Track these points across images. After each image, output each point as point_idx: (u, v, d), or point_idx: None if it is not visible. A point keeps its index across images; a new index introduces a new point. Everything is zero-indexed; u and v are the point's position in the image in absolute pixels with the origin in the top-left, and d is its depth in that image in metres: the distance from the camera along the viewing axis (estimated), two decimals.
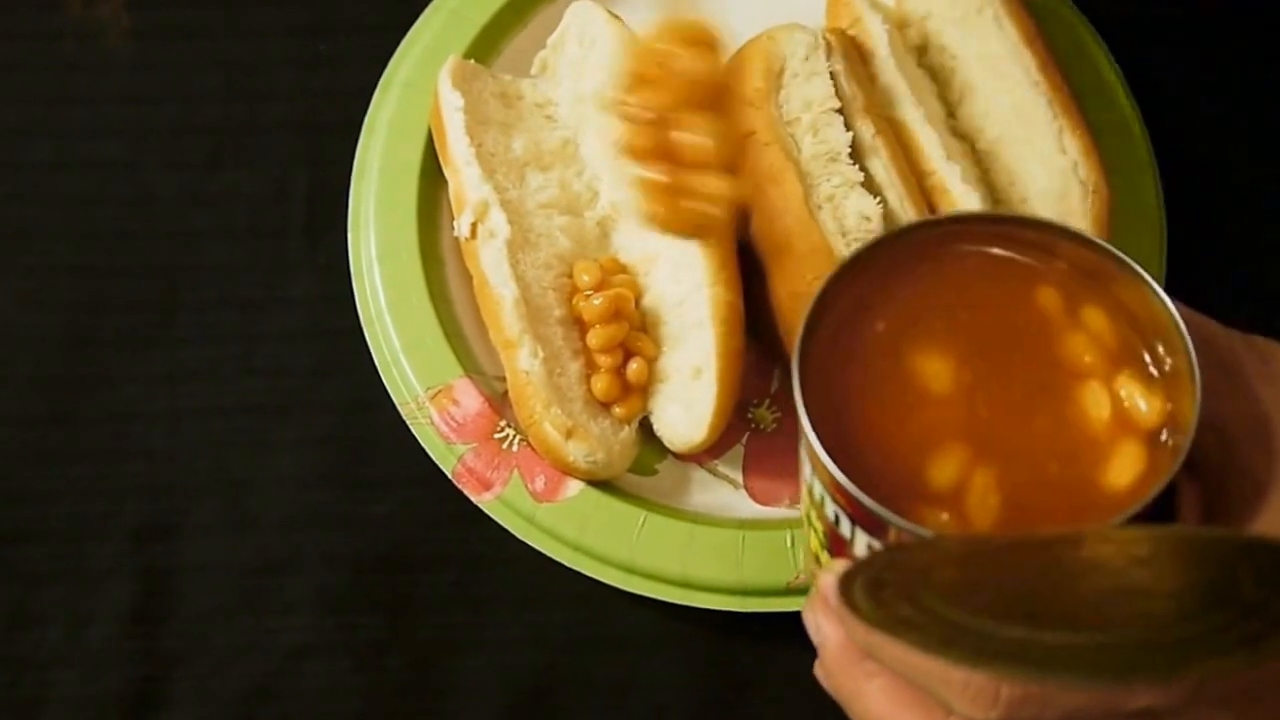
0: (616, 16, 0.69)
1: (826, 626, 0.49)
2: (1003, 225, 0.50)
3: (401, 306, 0.66)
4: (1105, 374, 0.47)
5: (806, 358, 0.47)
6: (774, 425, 0.67)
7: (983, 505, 0.46)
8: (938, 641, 0.40)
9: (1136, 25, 0.75)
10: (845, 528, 0.47)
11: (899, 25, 0.69)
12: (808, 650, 0.64)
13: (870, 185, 0.64)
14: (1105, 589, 0.42)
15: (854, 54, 0.67)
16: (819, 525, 0.50)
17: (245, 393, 0.68)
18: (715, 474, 0.66)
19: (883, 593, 0.41)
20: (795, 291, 0.62)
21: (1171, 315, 0.46)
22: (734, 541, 0.63)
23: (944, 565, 0.43)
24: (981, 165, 0.67)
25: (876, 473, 0.45)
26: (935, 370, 0.48)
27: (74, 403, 0.68)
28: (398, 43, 0.72)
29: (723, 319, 0.63)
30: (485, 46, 0.71)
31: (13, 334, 0.69)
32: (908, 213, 0.64)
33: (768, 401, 0.68)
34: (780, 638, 0.64)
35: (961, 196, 0.64)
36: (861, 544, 0.47)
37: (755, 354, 0.66)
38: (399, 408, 0.66)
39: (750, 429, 0.67)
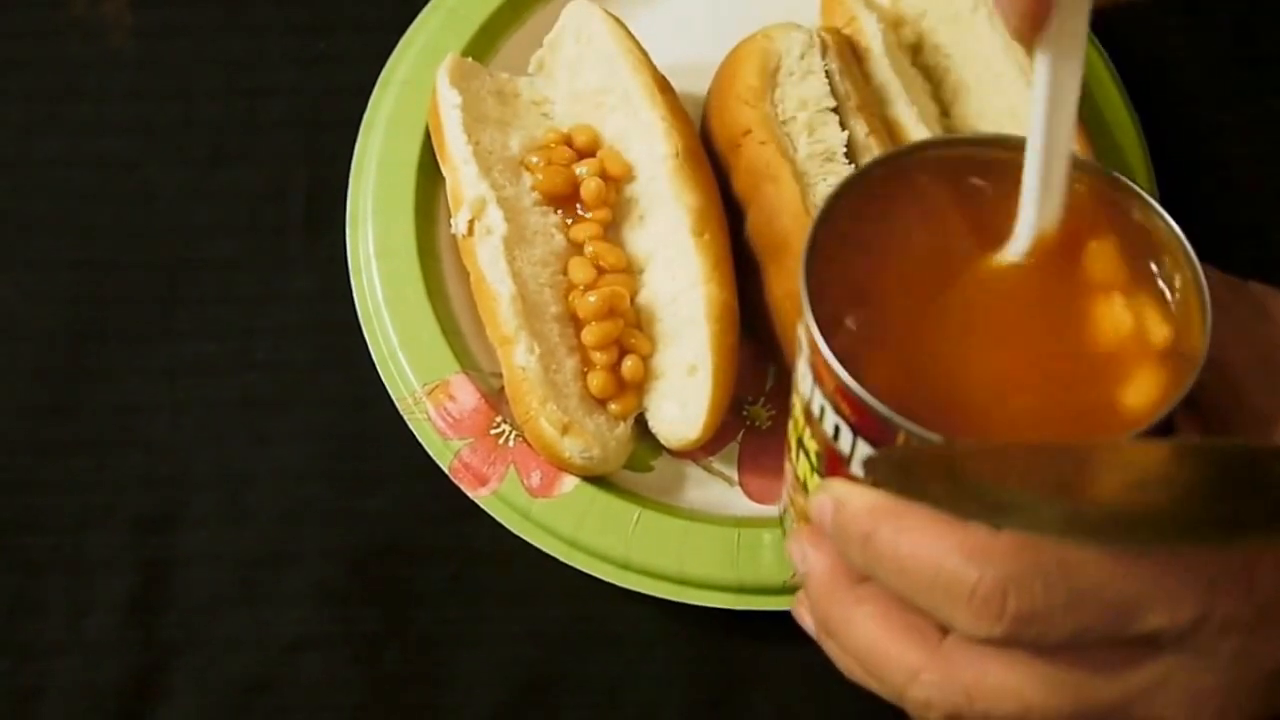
0: (613, 16, 0.69)
1: (814, 554, 0.48)
2: (1013, 150, 0.48)
3: (399, 303, 0.67)
4: (1115, 301, 0.46)
5: (812, 270, 0.46)
6: (769, 423, 0.67)
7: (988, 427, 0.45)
8: (968, 510, 0.39)
9: (1132, 24, 0.75)
10: (845, 441, 0.46)
11: (894, 24, 0.69)
12: (804, 649, 0.64)
13: None
14: (1127, 483, 0.41)
15: (848, 53, 0.66)
16: (812, 444, 0.49)
17: (244, 386, 0.68)
18: (710, 471, 0.66)
19: (911, 474, 0.41)
20: (791, 291, 0.61)
21: (1179, 239, 0.46)
22: (729, 539, 0.63)
23: (963, 459, 0.42)
24: None
25: (878, 390, 0.44)
26: (946, 298, 0.47)
27: (76, 394, 0.68)
28: (396, 41, 0.72)
29: (717, 317, 0.63)
30: (483, 45, 0.72)
31: (16, 326, 0.69)
32: None
33: (763, 399, 0.68)
34: (776, 636, 0.64)
35: None
36: (861, 457, 0.46)
37: (751, 352, 0.67)
38: (396, 403, 0.66)
39: (746, 426, 0.67)
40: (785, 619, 0.62)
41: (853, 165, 0.64)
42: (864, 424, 0.45)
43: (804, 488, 0.51)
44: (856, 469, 0.46)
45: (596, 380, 0.64)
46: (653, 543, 0.63)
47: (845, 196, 0.48)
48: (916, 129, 0.65)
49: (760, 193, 0.64)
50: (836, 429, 0.46)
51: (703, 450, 0.66)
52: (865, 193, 0.48)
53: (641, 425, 0.66)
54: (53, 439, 0.67)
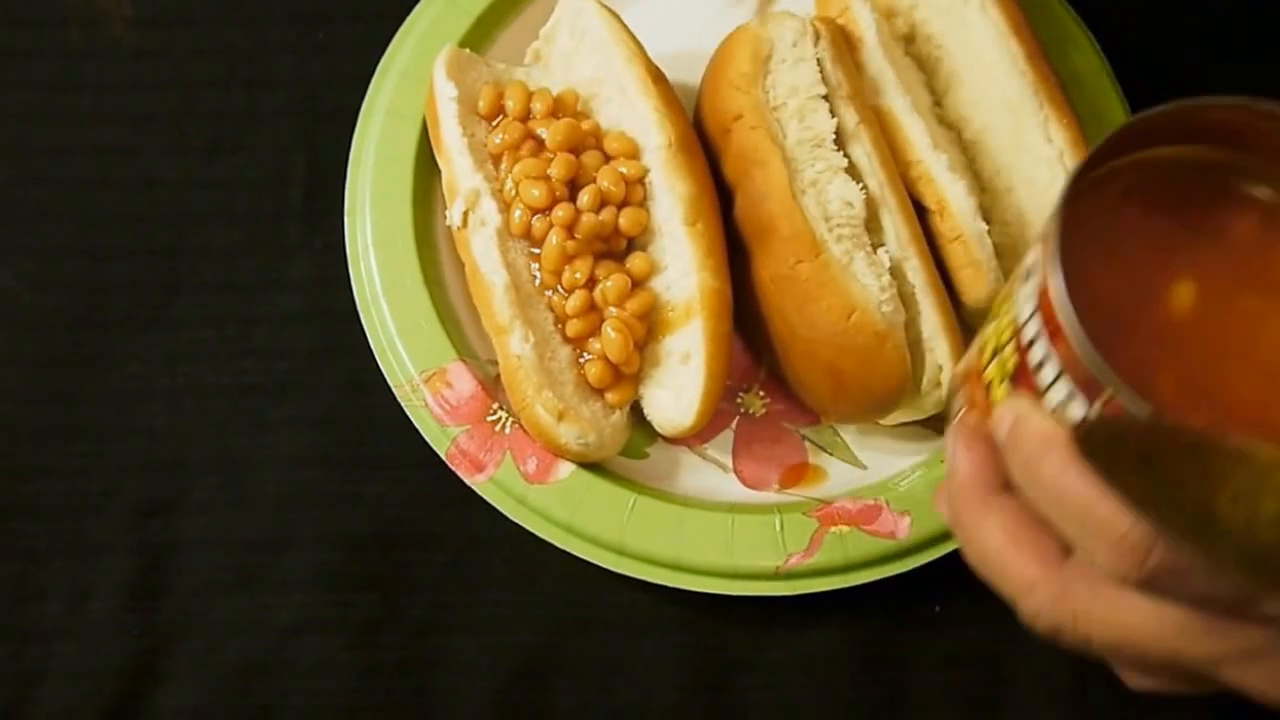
0: (608, 7, 0.69)
1: (963, 455, 0.49)
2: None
3: (396, 291, 0.67)
4: None
5: (1068, 209, 0.44)
6: (763, 410, 0.68)
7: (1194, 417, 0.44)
8: (1158, 516, 0.40)
9: (1123, 14, 0.75)
10: (1048, 373, 0.45)
11: (887, 14, 0.69)
12: (797, 633, 0.65)
13: (854, 172, 0.64)
14: None
15: (841, 42, 0.66)
16: (1013, 359, 0.47)
17: (243, 373, 0.69)
18: (705, 458, 0.67)
19: (1114, 457, 0.41)
20: (778, 275, 0.63)
21: None
22: (723, 524, 0.64)
23: (1165, 451, 0.42)
24: (968, 154, 0.67)
25: (1102, 347, 0.43)
26: (1187, 290, 0.46)
27: (76, 381, 0.68)
28: (395, 31, 0.72)
29: (709, 305, 0.63)
30: (480, 36, 0.72)
31: (17, 314, 0.70)
32: (888, 200, 0.64)
33: (757, 387, 0.68)
34: (770, 621, 0.65)
35: (947, 185, 0.64)
36: (1061, 392, 0.45)
37: (746, 340, 0.67)
38: (394, 390, 0.66)
39: (740, 414, 0.68)
40: (779, 604, 0.63)
41: (841, 152, 0.64)
42: (1076, 372, 0.44)
43: (986, 386, 0.50)
44: (1057, 394, 0.45)
45: (594, 370, 0.64)
46: (648, 528, 0.64)
47: (1113, 145, 0.46)
48: (908, 119, 0.65)
49: (749, 177, 0.64)
50: (1043, 360, 0.45)
51: (697, 437, 0.67)
52: (1137, 144, 0.46)
53: (637, 412, 0.66)
54: (53, 425, 0.68)
